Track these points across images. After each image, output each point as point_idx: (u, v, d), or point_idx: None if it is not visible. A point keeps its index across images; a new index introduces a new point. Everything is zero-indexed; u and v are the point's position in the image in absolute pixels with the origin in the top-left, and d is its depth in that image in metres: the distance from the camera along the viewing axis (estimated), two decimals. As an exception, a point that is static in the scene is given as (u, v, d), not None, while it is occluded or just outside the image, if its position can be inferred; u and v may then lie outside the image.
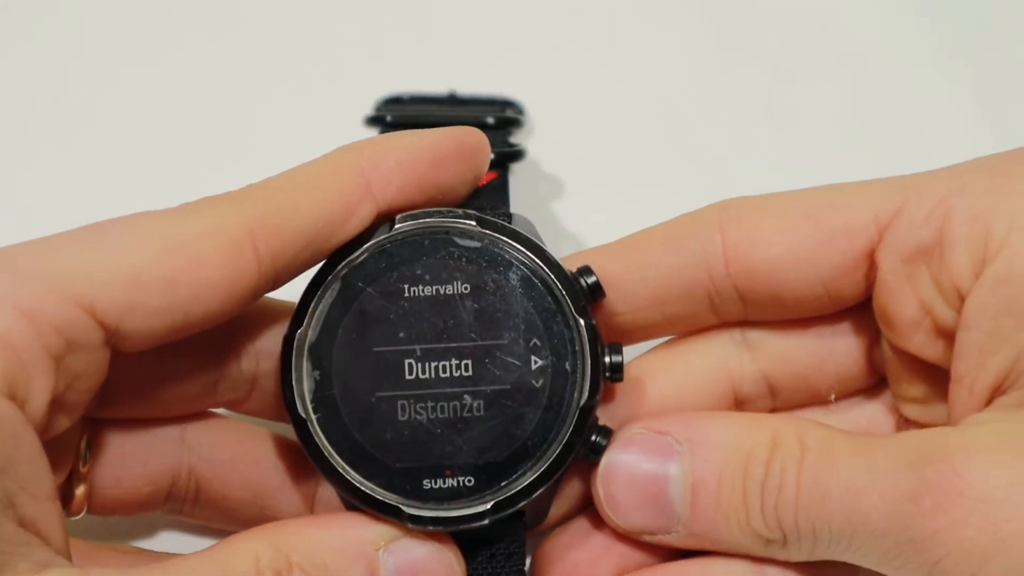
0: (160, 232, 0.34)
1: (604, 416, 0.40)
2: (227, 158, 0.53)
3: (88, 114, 0.55)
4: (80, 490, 0.39)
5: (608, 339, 0.40)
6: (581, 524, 0.41)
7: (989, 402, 0.37)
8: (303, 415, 0.37)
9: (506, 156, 0.45)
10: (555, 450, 0.38)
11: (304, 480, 0.41)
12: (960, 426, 0.36)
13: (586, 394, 0.38)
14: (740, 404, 0.42)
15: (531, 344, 0.38)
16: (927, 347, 0.39)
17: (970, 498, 0.34)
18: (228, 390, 0.40)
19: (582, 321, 0.38)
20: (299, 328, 0.38)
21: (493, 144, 0.43)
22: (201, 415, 0.41)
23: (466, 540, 0.39)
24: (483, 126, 0.46)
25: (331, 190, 0.37)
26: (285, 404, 0.38)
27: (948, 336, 0.38)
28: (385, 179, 0.37)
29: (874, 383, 0.43)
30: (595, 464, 0.39)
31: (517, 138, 0.50)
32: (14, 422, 0.32)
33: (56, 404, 0.33)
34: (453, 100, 0.52)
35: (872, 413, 0.43)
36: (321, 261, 0.38)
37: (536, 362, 0.38)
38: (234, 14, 0.57)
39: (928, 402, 0.41)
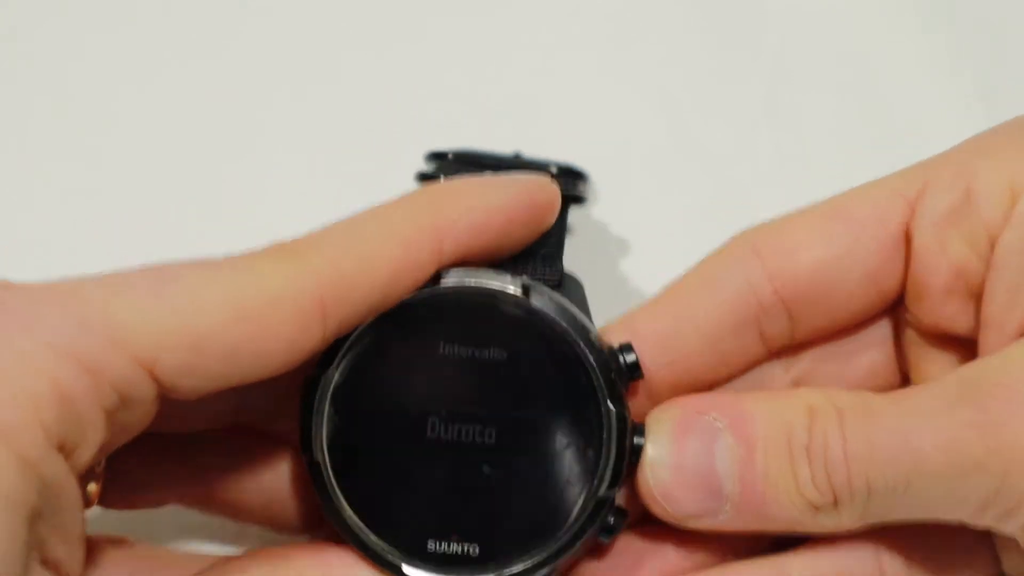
0: (231, 294, 0.32)
1: None
2: (233, 157, 0.53)
3: (89, 115, 0.55)
4: (93, 487, 0.38)
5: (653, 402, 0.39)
6: (612, 562, 0.40)
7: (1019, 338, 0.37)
8: (318, 459, 0.37)
9: (565, 199, 0.41)
10: (566, 536, 0.37)
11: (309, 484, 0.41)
12: (997, 354, 0.36)
13: (606, 483, 0.37)
14: None
15: (558, 424, 0.37)
16: (959, 316, 0.39)
17: None
18: (251, 410, 0.40)
19: (614, 410, 0.37)
20: (326, 369, 0.36)
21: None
22: None
23: None
24: (545, 172, 0.44)
25: (404, 252, 0.35)
26: (301, 444, 0.37)
27: (979, 298, 0.38)
28: (456, 239, 0.36)
29: (898, 384, 0.42)
30: (605, 544, 0.38)
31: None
32: (60, 473, 0.31)
33: (100, 451, 0.33)
34: (516, 160, 0.49)
35: None
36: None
37: (561, 443, 0.37)
38: (236, 13, 0.58)
39: None
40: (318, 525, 0.41)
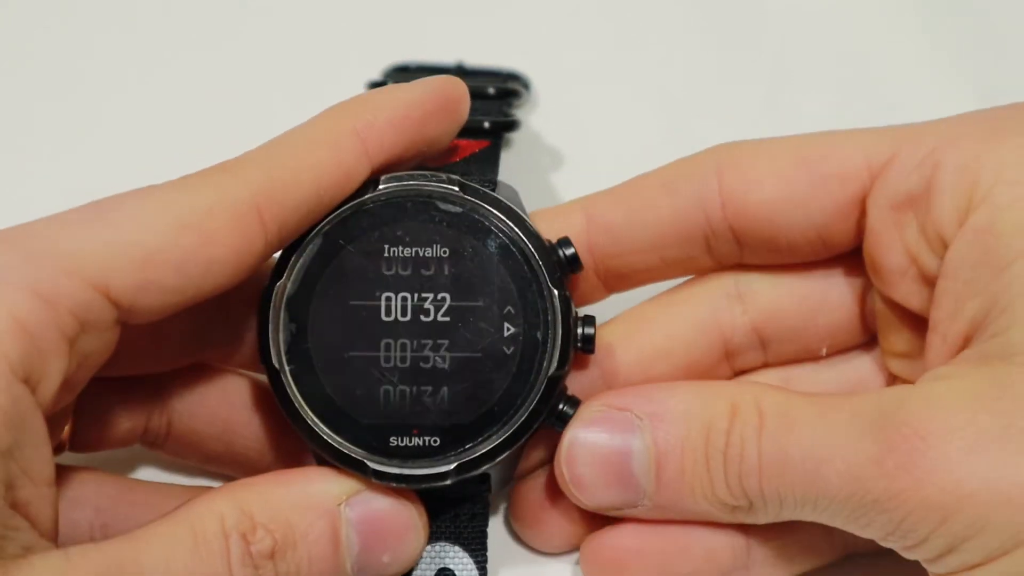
0: (170, 209, 0.34)
1: (605, 360, 0.41)
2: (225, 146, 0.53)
3: (89, 112, 0.55)
4: (63, 432, 0.39)
5: (607, 287, 0.40)
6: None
7: (960, 351, 0.37)
8: (277, 366, 0.37)
9: (500, 126, 0.44)
10: (521, 417, 0.38)
11: (270, 417, 0.41)
12: (921, 383, 0.36)
13: (555, 364, 0.38)
14: (730, 356, 0.42)
15: (504, 311, 0.38)
16: (912, 296, 0.39)
17: (931, 459, 0.33)
18: (213, 346, 0.41)
19: (556, 292, 0.38)
20: (278, 281, 0.38)
21: (488, 113, 0.43)
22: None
23: (431, 499, 0.39)
24: (483, 96, 0.46)
25: (330, 155, 0.36)
26: (260, 354, 0.38)
27: (932, 285, 0.38)
28: (379, 138, 0.37)
29: (866, 340, 0.43)
30: (561, 433, 0.39)
31: (520, 111, 0.49)
32: (25, 406, 0.32)
33: (65, 384, 0.33)
34: (460, 71, 0.51)
35: (862, 370, 0.43)
36: (321, 219, 0.38)
37: (508, 329, 0.38)
38: (236, 13, 0.58)
39: (913, 357, 0.40)
40: (278, 461, 0.42)
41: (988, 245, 0.36)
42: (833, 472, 0.35)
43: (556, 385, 0.38)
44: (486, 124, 0.44)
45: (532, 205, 0.41)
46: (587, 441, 0.38)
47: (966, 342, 0.37)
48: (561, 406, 0.39)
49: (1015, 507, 0.33)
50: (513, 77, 0.52)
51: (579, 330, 0.39)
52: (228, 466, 0.42)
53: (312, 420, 0.37)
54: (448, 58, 0.52)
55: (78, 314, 0.32)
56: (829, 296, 0.42)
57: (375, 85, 0.48)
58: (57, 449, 0.40)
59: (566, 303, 0.38)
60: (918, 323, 0.40)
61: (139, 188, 0.35)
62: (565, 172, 0.54)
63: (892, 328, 0.41)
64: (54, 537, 0.34)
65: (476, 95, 0.42)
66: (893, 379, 0.42)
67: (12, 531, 0.31)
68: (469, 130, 0.41)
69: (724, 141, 0.53)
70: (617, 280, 0.42)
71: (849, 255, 0.41)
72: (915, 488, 0.34)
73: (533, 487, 0.42)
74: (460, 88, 0.39)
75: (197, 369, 0.42)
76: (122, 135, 0.55)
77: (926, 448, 0.34)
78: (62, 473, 0.38)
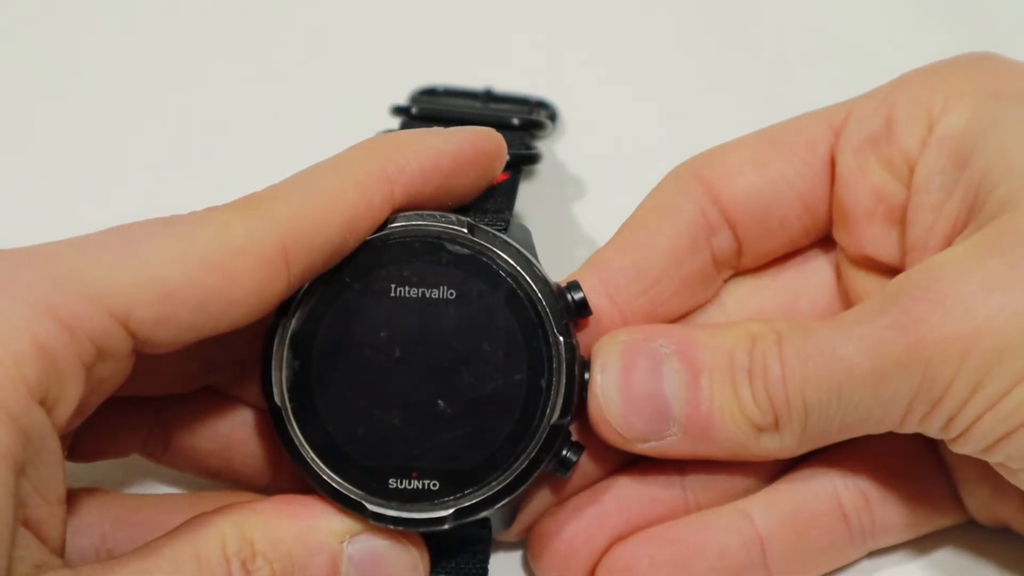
0: (197, 246, 0.33)
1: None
2: (236, 152, 0.53)
3: (91, 111, 0.55)
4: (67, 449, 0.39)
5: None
6: (575, 501, 0.41)
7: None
8: (279, 403, 0.37)
9: (520, 159, 0.44)
10: (522, 464, 0.37)
11: (270, 435, 0.41)
12: (918, 265, 0.37)
13: (558, 412, 0.37)
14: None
15: (508, 357, 0.37)
16: (881, 241, 0.40)
17: (946, 302, 0.34)
18: (219, 375, 0.40)
19: (562, 339, 0.37)
20: (283, 317, 0.37)
21: (511, 145, 0.42)
22: None
23: (432, 538, 0.38)
24: (507, 126, 0.46)
25: (358, 198, 0.36)
26: (262, 390, 0.37)
27: (900, 222, 0.40)
28: (407, 184, 0.37)
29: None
30: (564, 479, 0.39)
31: (546, 139, 0.49)
32: (42, 428, 0.31)
33: (78, 409, 0.33)
34: (487, 97, 0.51)
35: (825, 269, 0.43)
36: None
37: (512, 375, 0.37)
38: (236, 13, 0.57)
39: None
40: (278, 477, 0.41)
41: (953, 146, 0.38)
42: (852, 350, 0.35)
43: (559, 433, 0.37)
44: (507, 157, 0.42)
45: (552, 236, 0.40)
46: (618, 371, 0.38)
47: (948, 243, 0.38)
48: (565, 452, 0.38)
49: None
50: (541, 105, 0.51)
51: (587, 375, 0.38)
52: (226, 480, 0.42)
53: (312, 458, 0.37)
54: (459, 64, 0.52)
55: (97, 342, 0.32)
56: (807, 284, 0.43)
57: (400, 110, 0.47)
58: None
59: (572, 350, 0.37)
60: (890, 279, 0.40)
61: (166, 218, 0.34)
62: (588, 200, 0.53)
63: (865, 293, 0.41)
64: (62, 554, 0.34)
65: (500, 125, 0.42)
66: None
67: (24, 550, 0.31)
68: None
69: (723, 141, 0.54)
70: (645, 321, 0.41)
71: (824, 251, 0.43)
72: (934, 332, 0.34)
73: (548, 521, 0.41)
74: (496, 142, 0.39)
75: (209, 397, 0.41)
76: (125, 141, 0.54)
77: (940, 297, 0.34)
78: (67, 499, 0.38)
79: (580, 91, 0.55)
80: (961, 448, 0.36)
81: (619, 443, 0.38)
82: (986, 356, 0.34)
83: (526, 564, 0.42)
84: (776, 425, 0.37)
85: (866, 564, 0.41)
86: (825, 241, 0.43)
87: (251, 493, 0.41)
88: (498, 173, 0.39)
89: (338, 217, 0.35)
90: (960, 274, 0.35)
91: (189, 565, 0.34)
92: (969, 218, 0.37)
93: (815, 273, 0.43)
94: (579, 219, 0.52)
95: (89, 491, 0.39)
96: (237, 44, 0.57)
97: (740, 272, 0.43)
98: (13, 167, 0.53)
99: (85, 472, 0.43)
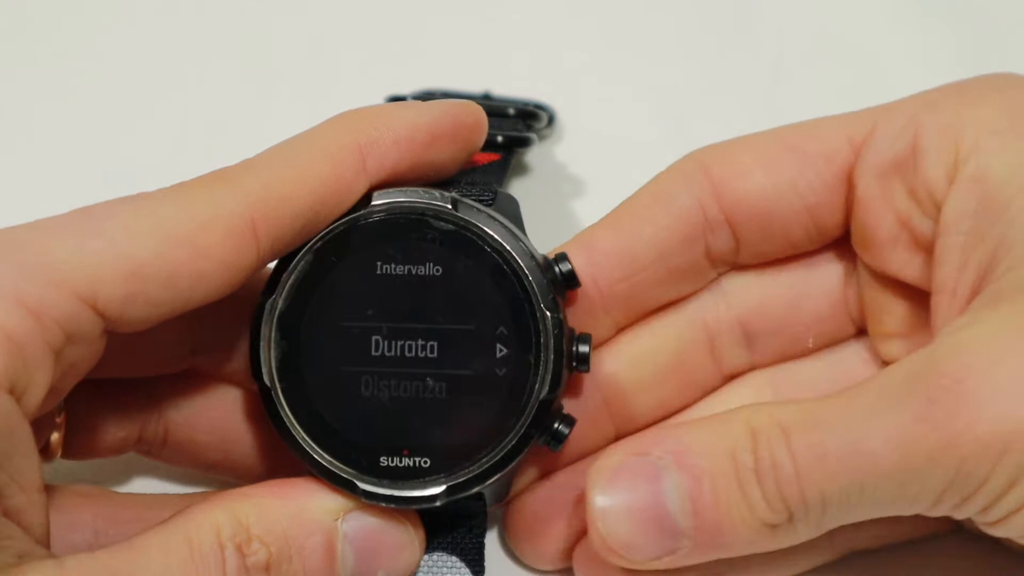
0: (161, 221, 0.33)
1: (600, 380, 0.40)
2: (236, 152, 0.53)
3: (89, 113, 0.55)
4: (55, 437, 0.39)
5: (616, 323, 0.40)
6: (555, 481, 0.41)
7: (971, 302, 0.36)
8: (268, 383, 0.37)
9: (513, 140, 0.43)
10: (512, 440, 0.37)
11: (266, 425, 0.40)
12: (941, 337, 0.35)
13: (547, 387, 0.37)
14: (716, 354, 0.42)
15: (496, 332, 0.37)
16: (906, 265, 0.39)
17: (978, 398, 0.32)
18: (205, 353, 0.40)
19: (549, 314, 0.37)
20: (270, 297, 0.37)
21: (502, 128, 0.42)
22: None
23: (427, 513, 0.38)
24: (502, 115, 0.45)
25: (329, 171, 0.35)
26: (251, 370, 0.37)
27: (926, 249, 0.38)
28: (381, 157, 0.36)
29: (852, 332, 0.42)
30: (557, 452, 0.38)
31: (542, 141, 0.49)
32: (12, 417, 0.31)
33: (50, 393, 0.33)
34: (486, 99, 0.50)
35: (851, 361, 0.42)
36: (313, 236, 0.37)
37: (500, 350, 0.37)
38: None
39: (908, 336, 0.40)
40: (275, 469, 0.41)
41: (985, 191, 0.36)
42: (878, 445, 0.33)
43: (548, 408, 0.37)
44: (499, 138, 0.43)
45: (553, 234, 0.40)
46: (618, 499, 0.36)
47: (976, 292, 0.36)
48: (556, 425, 0.38)
49: None
50: (539, 108, 0.51)
51: (575, 348, 0.38)
52: (225, 473, 0.42)
53: (302, 437, 0.37)
54: (458, 63, 0.52)
55: (64, 326, 0.32)
56: (811, 285, 0.41)
57: (395, 100, 0.47)
58: (50, 456, 0.39)
59: (559, 325, 0.37)
60: (912, 296, 0.39)
61: (130, 196, 0.34)
62: (587, 200, 0.53)
63: (884, 307, 0.40)
64: (46, 544, 0.33)
65: (495, 114, 0.42)
66: (886, 365, 0.41)
67: (6, 539, 0.31)
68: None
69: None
70: (625, 308, 0.41)
71: (829, 248, 0.41)
72: (969, 430, 0.32)
73: (527, 503, 0.41)
74: (475, 115, 0.38)
75: (193, 378, 0.41)
76: (125, 141, 0.54)
77: (970, 390, 0.33)
78: (59, 495, 0.38)
79: (579, 92, 0.55)
80: (997, 533, 0.35)
81: (631, 567, 0.37)
82: (1022, 456, 0.32)
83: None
84: (791, 520, 0.35)
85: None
86: (832, 244, 0.42)
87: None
88: (479, 146, 0.39)
89: (308, 189, 0.35)
90: (991, 364, 0.33)
91: (181, 553, 0.33)
92: (993, 269, 0.36)
93: (821, 276, 0.42)
94: (578, 220, 0.52)
95: (82, 489, 0.39)
96: (237, 44, 0.57)
97: (739, 267, 0.42)
98: (12, 167, 0.53)
99: (81, 471, 0.42)
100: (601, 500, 0.36)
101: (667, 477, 0.35)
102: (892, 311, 0.40)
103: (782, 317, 0.41)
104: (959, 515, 0.34)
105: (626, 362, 0.41)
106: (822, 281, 0.42)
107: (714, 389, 0.42)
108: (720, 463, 0.35)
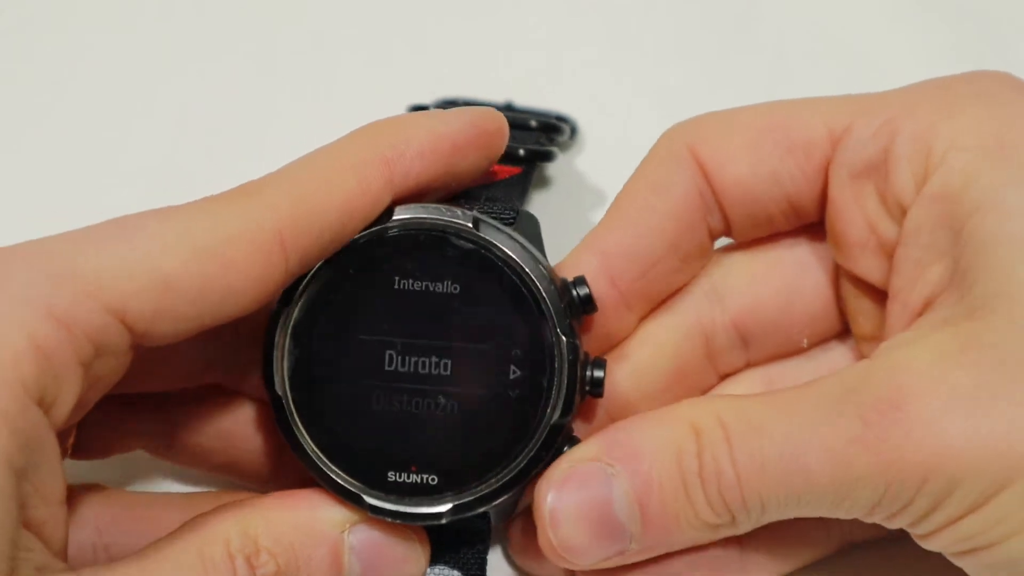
0: (191, 234, 0.33)
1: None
2: (235, 152, 0.53)
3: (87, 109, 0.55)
4: (68, 446, 0.39)
5: (639, 316, 0.40)
6: None
7: (920, 315, 0.37)
8: (280, 393, 0.37)
9: (535, 154, 0.43)
10: (521, 462, 0.37)
11: (274, 430, 0.40)
12: (880, 352, 0.35)
13: (559, 412, 0.37)
14: (713, 357, 0.42)
15: (511, 354, 0.37)
16: (873, 269, 0.39)
17: (910, 425, 0.33)
18: (222, 370, 0.40)
19: (564, 339, 0.37)
20: (286, 306, 0.37)
21: (524, 141, 0.42)
22: None
23: (432, 530, 0.38)
24: (524, 127, 0.45)
25: (355, 184, 0.35)
26: (263, 379, 0.37)
27: (891, 255, 0.38)
28: (406, 169, 0.36)
29: (843, 329, 0.42)
30: None
31: (563, 152, 0.49)
32: (40, 428, 0.31)
33: (76, 406, 0.33)
34: (508, 109, 0.50)
35: (841, 360, 0.42)
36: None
37: (513, 372, 0.37)
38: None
39: (881, 338, 0.40)
40: (281, 472, 0.41)
41: (944, 209, 0.36)
42: (813, 461, 0.34)
43: (559, 433, 0.37)
44: (521, 152, 0.42)
45: (571, 246, 0.40)
46: (567, 500, 0.37)
47: (926, 307, 0.37)
48: (565, 448, 0.37)
49: (993, 456, 0.33)
50: (560, 120, 0.50)
51: (589, 373, 0.38)
52: (230, 475, 0.42)
53: (312, 449, 0.37)
54: (459, 63, 0.51)
55: (94, 338, 0.32)
56: (803, 285, 0.42)
57: (417, 109, 0.47)
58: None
59: (574, 350, 0.37)
60: (882, 299, 0.40)
61: (160, 209, 0.34)
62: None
63: (859, 308, 0.41)
64: (64, 556, 0.33)
65: (517, 126, 0.42)
66: None
67: (26, 552, 0.31)
68: (504, 156, 0.40)
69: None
70: (645, 301, 0.41)
71: (819, 245, 0.42)
72: (898, 456, 0.33)
73: (531, 519, 0.40)
74: (497, 122, 0.38)
75: (211, 392, 0.41)
76: (124, 142, 0.54)
77: (902, 416, 0.33)
78: (71, 495, 0.38)
79: (601, 105, 0.55)
80: (927, 547, 0.36)
81: (576, 568, 0.38)
82: (943, 484, 0.33)
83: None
84: (732, 521, 0.36)
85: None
86: (817, 235, 0.42)
87: (249, 492, 0.40)
88: (500, 152, 0.39)
89: (335, 202, 0.35)
90: (925, 391, 0.33)
91: (194, 567, 0.33)
92: (946, 291, 0.36)
93: (813, 276, 0.42)
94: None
95: (85, 487, 0.39)
96: (237, 44, 0.57)
97: (736, 248, 0.42)
98: (12, 167, 0.53)
99: (84, 469, 0.42)
100: (552, 503, 0.37)
101: (616, 484, 0.36)
102: (865, 312, 0.41)
103: (776, 318, 0.42)
104: (890, 526, 0.35)
105: (628, 375, 0.41)
106: (814, 281, 0.42)
107: (711, 387, 0.43)
108: (667, 467, 0.36)
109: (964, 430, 0.33)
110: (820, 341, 0.42)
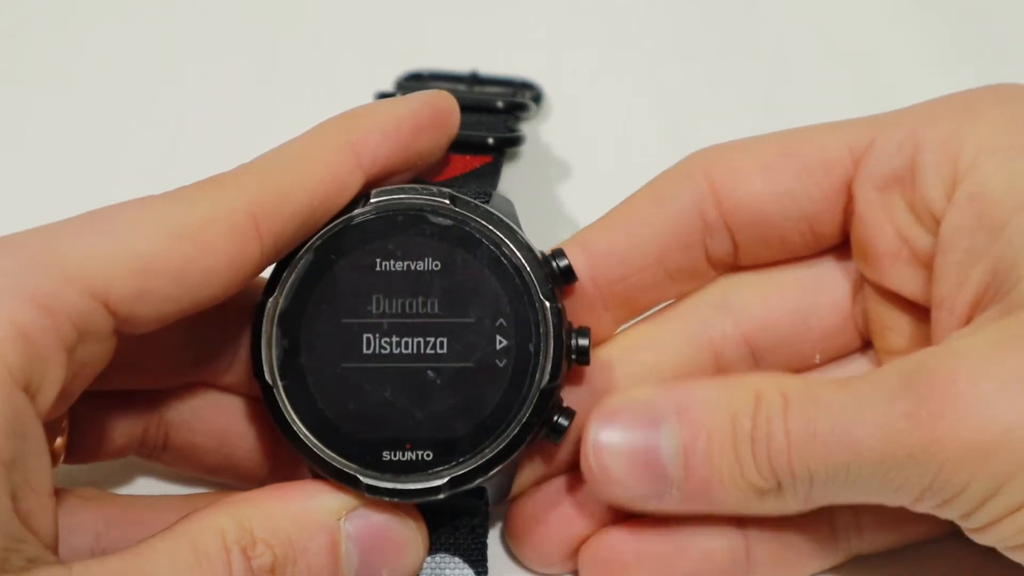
0: (167, 219, 0.33)
1: (598, 380, 0.40)
2: (235, 152, 0.53)
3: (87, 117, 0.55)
4: (59, 442, 0.39)
5: (615, 319, 0.40)
6: (556, 483, 0.41)
7: (969, 320, 0.36)
8: (270, 381, 0.37)
9: (503, 141, 0.44)
10: (514, 430, 0.37)
11: (267, 427, 0.41)
12: (941, 344, 0.35)
13: (547, 376, 0.37)
14: (722, 371, 0.42)
15: (496, 324, 0.37)
16: (906, 280, 0.39)
17: (966, 403, 0.33)
18: (209, 364, 0.40)
19: (548, 304, 0.37)
20: (270, 296, 0.37)
21: (494, 128, 0.43)
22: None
23: (430, 511, 0.38)
24: (491, 110, 0.46)
25: (325, 167, 0.36)
26: (253, 370, 0.37)
27: (925, 265, 0.38)
28: (372, 151, 0.37)
29: (858, 346, 0.42)
30: (557, 444, 0.39)
31: (531, 120, 0.49)
32: (26, 415, 0.31)
33: (61, 393, 0.33)
34: (473, 79, 0.51)
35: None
36: (313, 233, 0.37)
37: (500, 342, 0.37)
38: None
39: (911, 351, 0.39)
40: (275, 471, 0.41)
41: (982, 210, 0.36)
42: (865, 434, 0.34)
43: (549, 398, 0.37)
44: (490, 140, 0.43)
45: (539, 217, 0.40)
46: (614, 434, 0.37)
47: (974, 310, 0.36)
48: (556, 418, 0.38)
49: None
50: (526, 86, 0.51)
51: (574, 342, 0.38)
52: (226, 476, 0.42)
53: (305, 435, 0.37)
54: (459, 62, 0.52)
55: (77, 323, 0.32)
56: (819, 301, 0.41)
57: (382, 96, 0.48)
58: (53, 462, 0.38)
59: (558, 315, 0.37)
60: (914, 311, 0.40)
61: (136, 199, 0.34)
62: (573, 183, 0.53)
63: (887, 322, 0.40)
64: (55, 550, 0.33)
65: (484, 108, 0.42)
66: None
67: (18, 543, 0.31)
68: (473, 146, 0.41)
69: (723, 141, 0.54)
70: (624, 306, 0.41)
71: (837, 261, 0.41)
72: (952, 433, 0.33)
73: (527, 506, 0.41)
74: (449, 102, 0.39)
75: (194, 385, 0.41)
76: (123, 142, 0.54)
77: (958, 393, 0.33)
78: (59, 498, 0.37)
79: (569, 75, 0.55)
80: (981, 540, 0.35)
81: (616, 502, 0.38)
82: (1005, 467, 0.33)
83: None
84: (779, 489, 0.36)
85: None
86: (836, 252, 0.42)
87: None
88: (455, 129, 0.39)
89: (305, 186, 0.36)
90: (980, 371, 0.33)
91: (187, 559, 0.33)
92: (996, 290, 0.36)
93: (830, 291, 0.42)
94: (562, 201, 0.52)
95: (83, 491, 0.39)
96: (237, 44, 0.57)
97: (741, 268, 0.42)
98: (12, 167, 0.53)
99: (81, 473, 0.42)
100: (598, 435, 0.37)
101: (666, 426, 0.36)
102: (895, 327, 0.40)
103: (789, 334, 0.41)
104: (943, 516, 0.35)
105: (628, 376, 0.41)
106: (831, 297, 0.42)
107: None
108: (720, 421, 0.36)
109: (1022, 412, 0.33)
110: (834, 357, 0.42)
